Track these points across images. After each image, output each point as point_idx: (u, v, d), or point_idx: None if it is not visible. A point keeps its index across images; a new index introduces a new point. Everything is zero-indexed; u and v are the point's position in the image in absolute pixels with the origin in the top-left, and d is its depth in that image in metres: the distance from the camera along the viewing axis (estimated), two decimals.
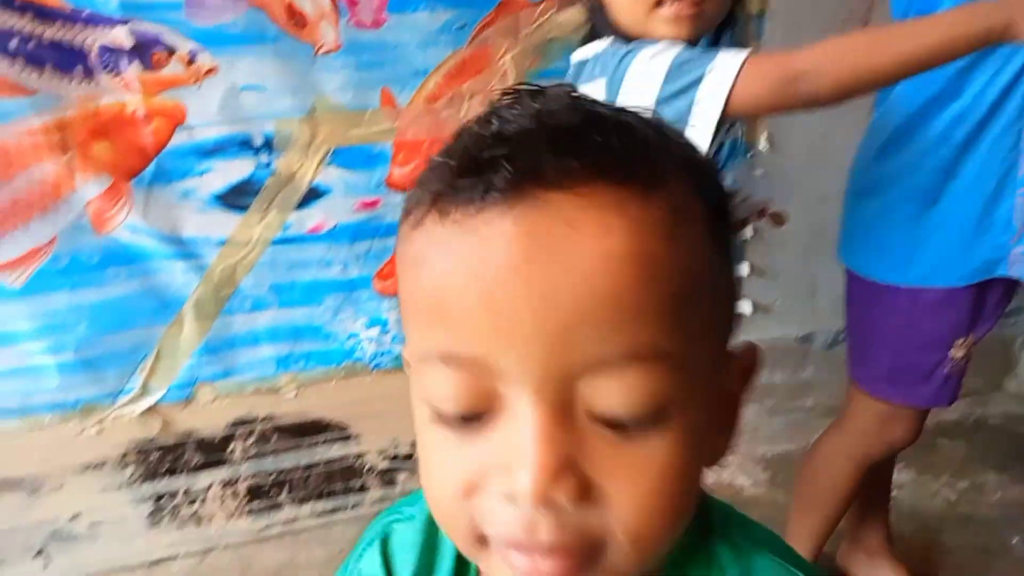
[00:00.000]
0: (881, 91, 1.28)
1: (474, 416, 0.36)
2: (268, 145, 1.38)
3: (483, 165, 0.35)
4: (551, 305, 0.33)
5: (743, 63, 0.85)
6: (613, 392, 0.34)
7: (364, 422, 1.69)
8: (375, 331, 1.60)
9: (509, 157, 0.34)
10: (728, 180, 1.17)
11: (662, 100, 0.89)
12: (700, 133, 0.87)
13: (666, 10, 0.91)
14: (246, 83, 1.32)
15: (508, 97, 0.38)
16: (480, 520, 0.37)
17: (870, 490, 1.53)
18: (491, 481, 0.36)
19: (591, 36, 1.02)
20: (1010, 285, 1.26)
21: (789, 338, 1.99)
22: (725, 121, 0.88)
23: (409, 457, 1.77)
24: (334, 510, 1.74)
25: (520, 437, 0.34)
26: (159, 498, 1.57)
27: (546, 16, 1.44)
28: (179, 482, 1.58)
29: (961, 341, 1.26)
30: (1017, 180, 1.15)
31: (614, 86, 0.93)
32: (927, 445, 2.07)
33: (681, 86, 0.88)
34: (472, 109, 1.47)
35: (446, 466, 0.38)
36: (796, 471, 1.52)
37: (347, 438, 1.70)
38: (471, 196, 0.34)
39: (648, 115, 0.40)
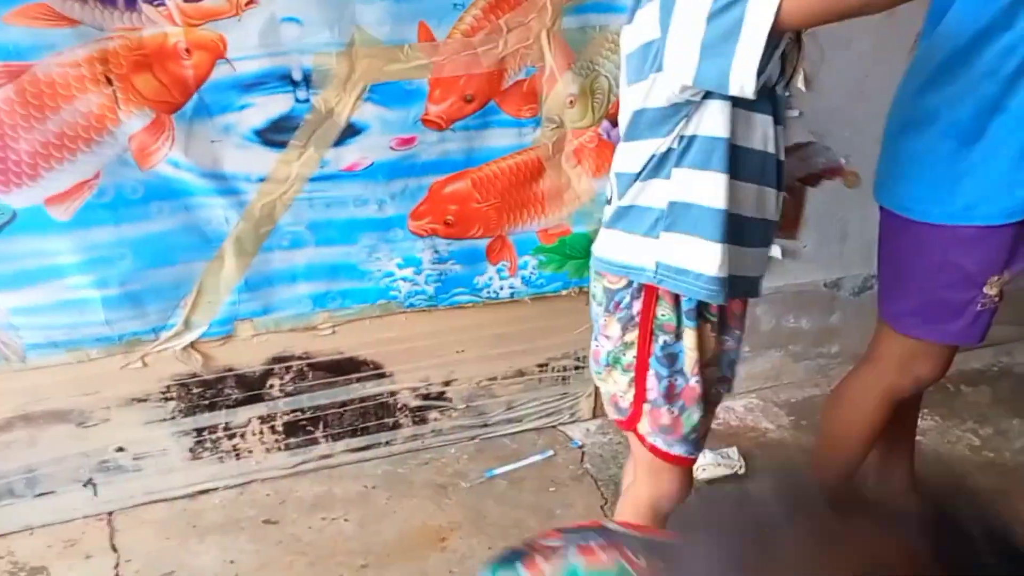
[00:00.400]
0: (928, 23, 1.26)
1: None
2: (307, 80, 1.38)
3: None
4: None
5: None
6: None
7: (397, 361, 1.72)
8: (409, 270, 1.61)
9: None
10: (802, 134, 1.18)
11: (713, 15, 0.88)
12: (750, 49, 0.86)
13: None
14: (285, 15, 1.32)
15: None
16: None
17: (895, 429, 1.53)
18: None
19: None
20: None
21: (818, 283, 2.00)
22: (776, 36, 0.86)
23: (440, 396, 1.80)
24: (367, 447, 1.77)
25: None
26: (200, 432, 1.61)
27: None
28: (219, 417, 1.61)
29: (996, 279, 1.26)
30: None
31: (667, 4, 0.93)
32: (951, 392, 2.10)
33: (728, 0, 0.87)
34: (510, 43, 1.46)
35: None
36: (820, 414, 1.53)
37: (381, 376, 1.73)
38: None
39: None
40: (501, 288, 1.71)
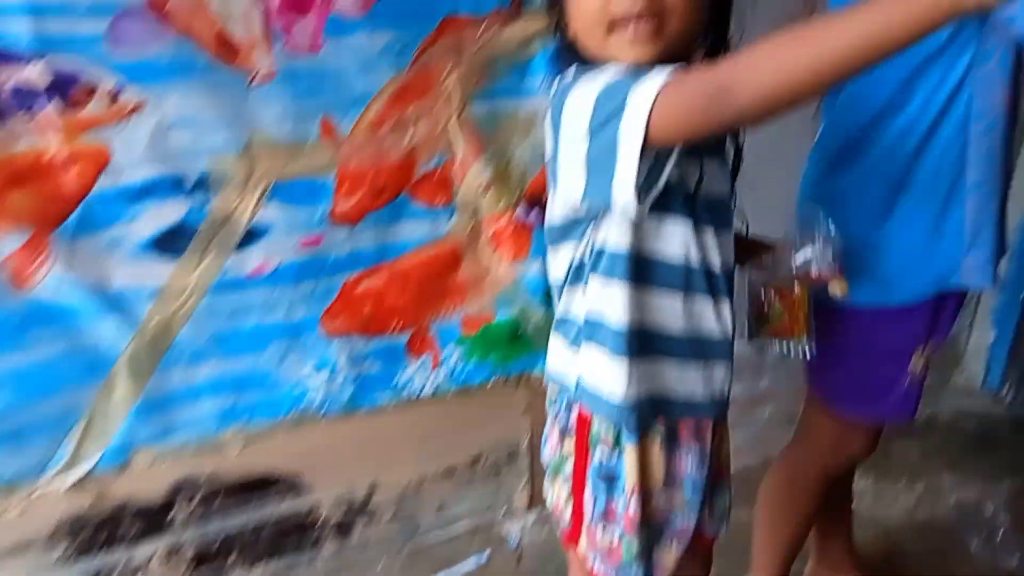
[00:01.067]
0: (826, 103, 1.27)
1: None
2: (202, 185, 1.28)
3: None
4: None
5: (664, 83, 0.76)
6: None
7: (316, 473, 1.59)
8: (324, 375, 1.50)
9: None
10: (800, 257, 1.11)
11: (592, 132, 0.82)
12: (625, 166, 0.78)
13: (621, 34, 0.84)
14: (176, 119, 1.22)
15: None
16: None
17: (831, 504, 1.52)
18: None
19: (560, 62, 0.98)
20: (963, 293, 1.27)
21: (743, 349, 1.99)
22: (650, 152, 0.78)
23: (365, 506, 1.68)
24: (288, 569, 1.62)
25: None
26: (96, 575, 1.43)
27: (490, 33, 1.40)
28: (118, 555, 1.44)
29: (920, 353, 1.27)
30: (966, 188, 1.16)
31: (556, 117, 0.88)
32: (882, 448, 2.10)
33: (606, 115, 0.80)
34: (419, 133, 1.41)
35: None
36: (757, 486, 1.50)
37: (298, 491, 1.59)
38: None
39: None
40: (425, 384, 1.62)
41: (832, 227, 1.10)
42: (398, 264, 1.49)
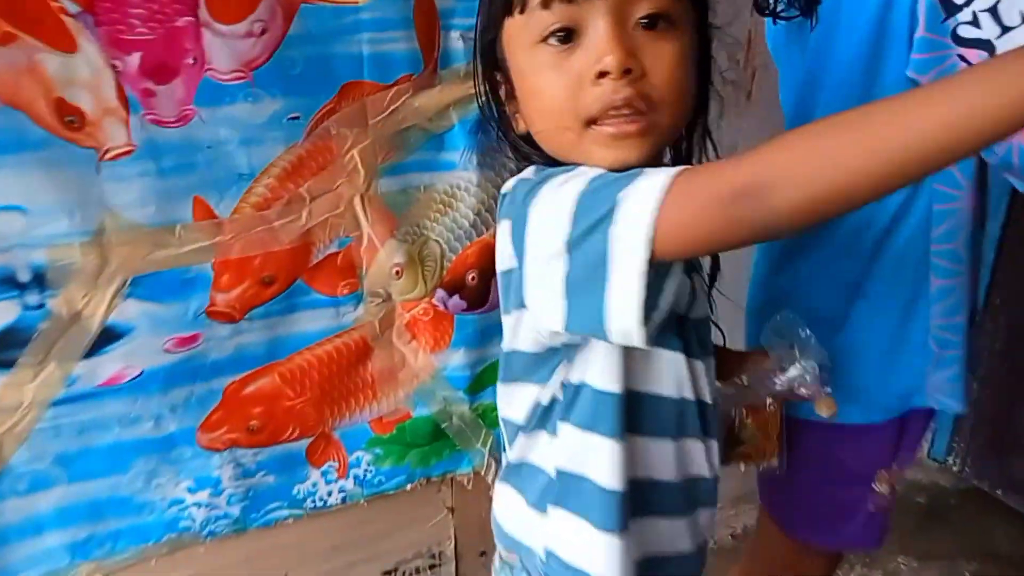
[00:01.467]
0: None
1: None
2: (39, 280, 1.04)
3: None
4: None
5: (670, 182, 0.57)
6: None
7: None
8: (204, 494, 1.27)
9: None
10: (783, 376, 0.93)
11: (573, 243, 0.62)
12: (625, 289, 0.59)
13: (602, 129, 0.67)
14: (2, 204, 0.98)
15: None
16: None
17: None
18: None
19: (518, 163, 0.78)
20: (931, 410, 1.11)
21: None
22: (658, 268, 0.59)
23: None
24: None
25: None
26: None
27: (399, 101, 1.19)
28: None
29: (884, 475, 1.11)
30: (930, 295, 1.00)
31: (519, 228, 0.68)
32: None
33: (589, 225, 0.60)
34: (316, 213, 1.19)
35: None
36: None
37: None
38: None
39: None
40: (330, 494, 1.39)
41: (812, 337, 0.92)
42: (294, 360, 1.27)
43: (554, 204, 0.64)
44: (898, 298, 1.01)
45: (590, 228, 0.60)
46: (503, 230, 0.72)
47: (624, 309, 0.59)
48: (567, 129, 0.69)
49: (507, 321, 0.77)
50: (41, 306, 1.05)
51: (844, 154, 0.51)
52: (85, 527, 1.19)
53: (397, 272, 1.29)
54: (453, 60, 1.22)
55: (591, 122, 0.68)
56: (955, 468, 2.22)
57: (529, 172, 0.73)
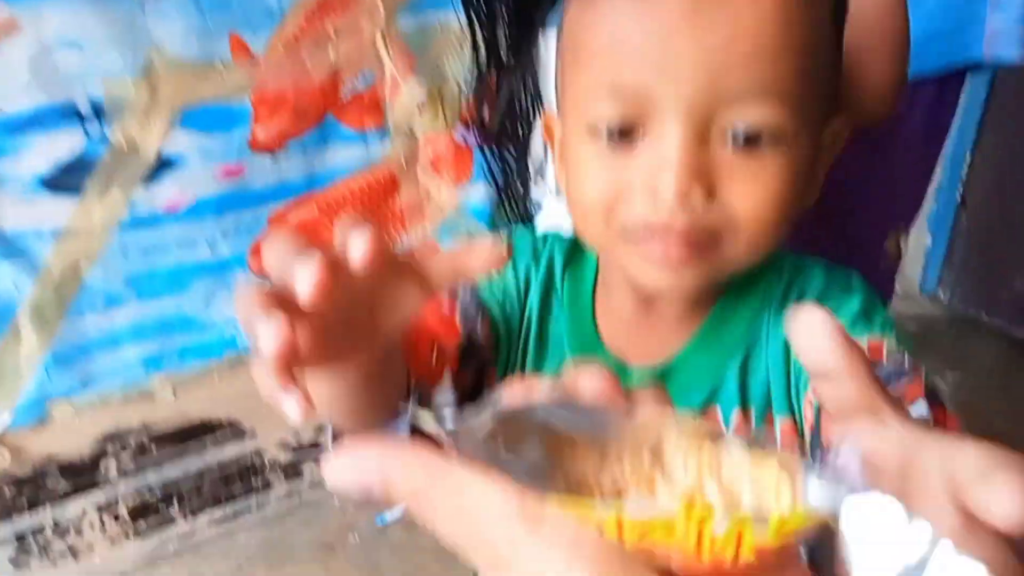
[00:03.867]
0: None
1: (628, 130, 0.46)
2: (98, 112, 1.15)
3: None
4: (710, 47, 0.43)
5: None
6: (748, 113, 0.45)
7: (258, 415, 1.51)
8: None
9: None
10: None
11: None
12: None
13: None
14: (60, 39, 1.09)
15: None
16: (624, 219, 0.48)
17: None
18: (635, 191, 0.47)
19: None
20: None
21: None
22: None
23: (315, 446, 1.61)
24: (236, 515, 1.56)
25: (667, 149, 0.45)
26: (21, 538, 1.35)
27: None
28: (44, 515, 1.36)
29: (892, 234, 1.20)
30: None
31: None
32: None
33: None
34: (341, 50, 1.28)
35: (599, 176, 0.49)
36: None
37: (240, 435, 1.52)
38: None
39: None
40: None
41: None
42: (330, 193, 1.38)
43: None
44: None
45: None
46: None
47: None
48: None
49: None
50: (102, 136, 1.16)
51: None
52: (156, 342, 1.35)
53: (419, 108, 1.39)
54: None
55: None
56: (944, 299, 2.32)
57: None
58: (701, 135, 0.45)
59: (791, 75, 0.45)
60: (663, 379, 0.57)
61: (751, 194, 0.46)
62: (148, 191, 1.23)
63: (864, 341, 0.52)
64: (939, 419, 0.45)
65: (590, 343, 0.58)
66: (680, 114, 0.45)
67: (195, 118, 1.22)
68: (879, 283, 1.25)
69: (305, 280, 0.30)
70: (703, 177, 0.45)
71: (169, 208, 1.26)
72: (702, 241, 0.47)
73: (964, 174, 2.18)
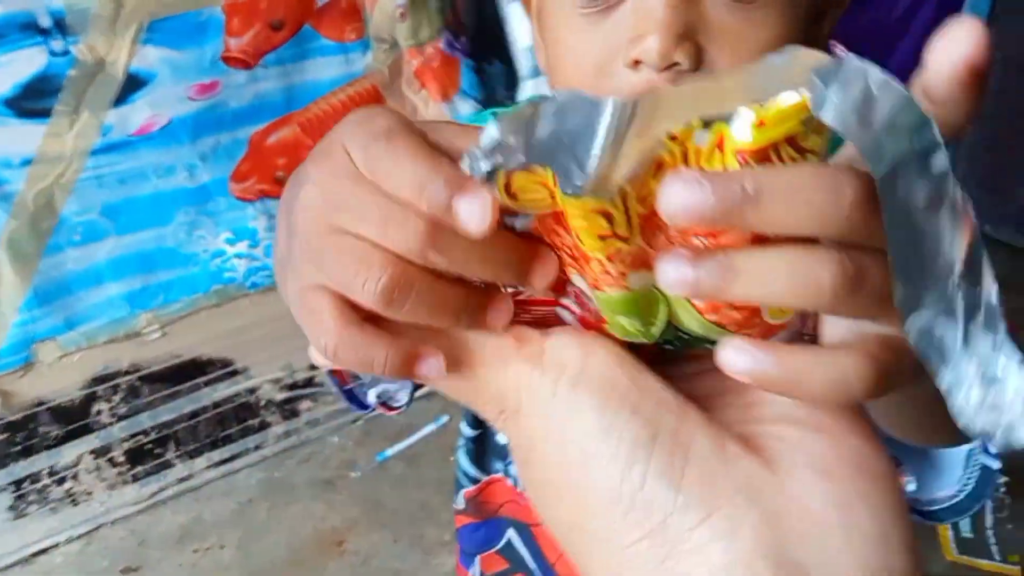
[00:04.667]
0: None
1: None
2: (60, 26, 1.07)
3: None
4: None
5: None
6: None
7: (250, 352, 1.46)
8: (243, 244, 1.35)
9: None
10: None
11: None
12: None
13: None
14: None
15: None
16: (610, 90, 0.41)
17: None
18: (618, 58, 0.42)
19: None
20: None
21: None
22: None
23: (310, 382, 1.57)
24: (233, 457, 1.52)
25: (651, 5, 0.40)
26: (18, 484, 1.30)
27: None
28: (39, 461, 1.31)
29: None
30: None
31: None
32: None
33: None
34: None
35: (580, 46, 0.44)
36: None
37: (234, 373, 1.47)
38: None
39: None
40: None
41: None
42: (311, 110, 1.32)
43: None
44: None
45: None
46: None
47: None
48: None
49: None
50: (66, 53, 1.09)
51: None
52: (139, 278, 1.29)
53: (401, 15, 1.31)
54: None
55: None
56: None
57: None
58: None
59: None
60: None
61: (746, 49, 0.42)
62: (119, 113, 1.15)
63: None
64: None
65: None
66: None
67: (164, 31, 1.14)
68: None
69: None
70: (690, 38, 0.41)
71: (143, 131, 1.18)
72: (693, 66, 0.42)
73: None
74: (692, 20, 0.41)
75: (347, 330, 0.24)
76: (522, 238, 0.24)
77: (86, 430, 1.34)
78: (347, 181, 0.24)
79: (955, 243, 0.20)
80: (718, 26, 0.41)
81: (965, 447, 0.47)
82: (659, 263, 0.21)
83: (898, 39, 1.08)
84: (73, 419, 1.32)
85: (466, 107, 1.44)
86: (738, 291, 0.21)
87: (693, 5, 0.40)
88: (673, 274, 0.21)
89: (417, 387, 0.54)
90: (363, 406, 0.57)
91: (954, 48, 0.21)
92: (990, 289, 0.21)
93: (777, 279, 0.21)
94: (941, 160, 0.21)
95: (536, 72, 0.87)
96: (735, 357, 0.22)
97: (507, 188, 0.22)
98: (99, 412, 1.34)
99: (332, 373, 0.52)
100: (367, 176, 0.24)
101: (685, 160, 0.21)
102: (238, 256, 1.36)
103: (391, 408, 0.59)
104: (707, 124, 0.21)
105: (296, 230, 0.25)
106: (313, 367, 1.55)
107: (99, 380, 1.33)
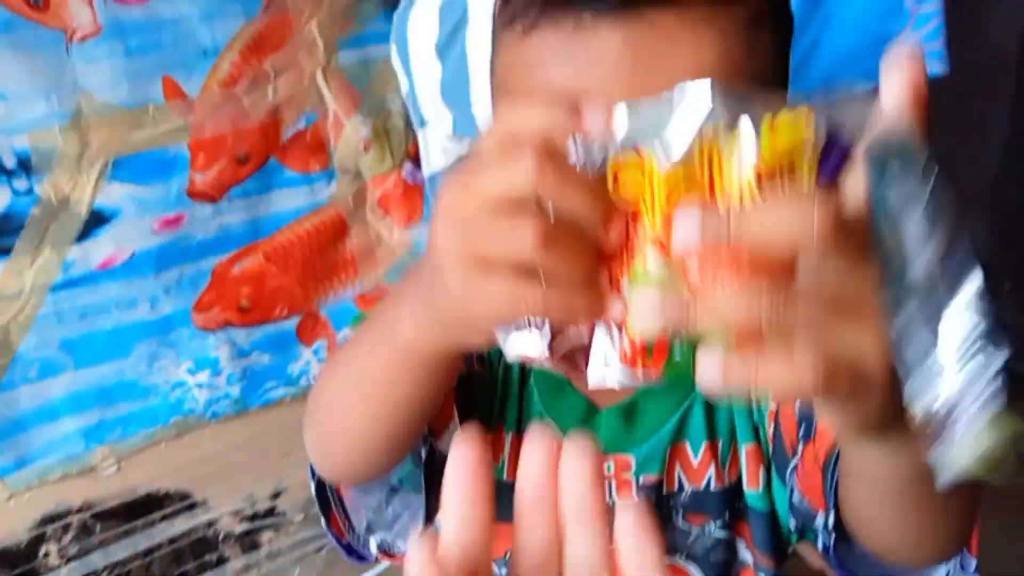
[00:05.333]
0: None
1: None
2: (24, 166, 1.08)
3: None
4: None
5: None
6: None
7: (209, 483, 1.42)
8: (205, 374, 1.33)
9: None
10: None
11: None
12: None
13: None
14: None
15: None
16: None
17: None
18: None
19: None
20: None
21: None
22: None
23: (271, 512, 1.52)
24: None
25: None
26: None
27: None
28: None
29: None
30: None
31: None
32: None
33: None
34: (281, 89, 1.24)
35: None
36: None
37: (192, 507, 1.42)
38: (576, 12, 0.41)
39: None
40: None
41: None
42: (276, 239, 1.33)
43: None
44: None
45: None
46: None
47: None
48: None
49: None
50: (30, 191, 1.09)
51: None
52: (96, 412, 1.25)
53: (365, 147, 1.35)
54: None
55: None
56: None
57: None
58: None
59: None
60: (630, 416, 0.59)
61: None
62: (82, 249, 1.15)
63: None
64: None
65: (559, 384, 0.61)
66: None
67: (129, 168, 1.16)
68: None
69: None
70: None
71: (105, 265, 1.18)
72: None
73: None
74: None
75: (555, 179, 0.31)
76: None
77: (32, 574, 1.27)
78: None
79: (936, 250, 0.23)
80: None
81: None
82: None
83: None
84: (18, 563, 1.26)
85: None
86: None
87: None
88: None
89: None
90: (362, 558, 0.57)
91: (900, 76, 0.26)
92: (971, 303, 0.23)
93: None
94: (927, 168, 0.24)
95: None
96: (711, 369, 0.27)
97: (614, 178, 0.30)
98: (47, 554, 1.28)
99: (330, 527, 0.56)
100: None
101: (711, 174, 0.28)
102: (199, 386, 1.33)
103: (392, 556, 0.59)
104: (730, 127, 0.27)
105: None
106: (276, 495, 1.51)
107: (49, 520, 1.27)
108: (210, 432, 1.38)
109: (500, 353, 0.56)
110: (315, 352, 1.45)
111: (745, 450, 0.59)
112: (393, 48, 0.72)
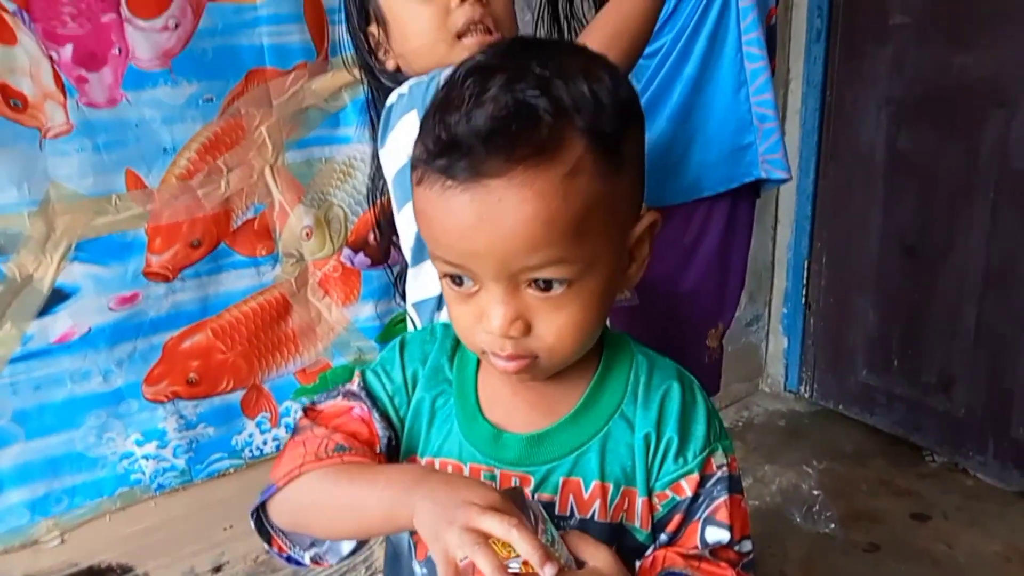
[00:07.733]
0: None
1: (468, 284, 0.62)
2: None
3: (447, 161, 0.57)
4: (495, 246, 0.58)
5: None
6: (537, 273, 0.60)
7: (151, 556, 1.46)
8: (152, 446, 1.40)
9: (463, 155, 0.56)
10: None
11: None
12: None
13: (468, 40, 0.92)
14: None
15: (468, 82, 0.59)
16: (477, 341, 0.64)
17: None
18: (481, 323, 0.63)
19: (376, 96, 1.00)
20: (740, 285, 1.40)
21: None
22: None
23: None
24: None
25: (490, 302, 0.61)
26: None
27: (298, 85, 1.41)
28: None
29: (714, 332, 1.38)
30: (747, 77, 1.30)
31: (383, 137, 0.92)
32: None
33: None
34: (233, 183, 1.38)
35: (460, 312, 0.65)
36: None
37: None
38: (443, 178, 0.57)
39: (554, 81, 0.58)
40: (265, 443, 1.55)
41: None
42: (224, 317, 1.44)
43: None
44: (726, 84, 1.29)
45: None
46: (410, 118, 0.93)
47: None
48: (438, 43, 0.94)
49: (408, 211, 0.97)
50: None
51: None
52: (43, 484, 1.31)
53: (307, 234, 1.49)
54: (340, 50, 1.45)
55: (460, 34, 0.94)
56: (806, 395, 2.57)
57: (404, 88, 0.95)
58: (513, 289, 0.60)
59: (564, 243, 0.58)
60: (534, 445, 0.69)
61: (555, 325, 0.62)
62: (41, 324, 1.24)
63: (722, 457, 0.69)
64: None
65: (472, 415, 0.72)
66: (491, 280, 0.60)
67: (91, 249, 1.27)
68: (707, 376, 1.43)
69: None
70: (520, 316, 0.61)
71: (62, 339, 1.27)
72: (525, 359, 0.63)
73: (805, 281, 2.48)
74: (519, 305, 0.61)
75: None
76: None
77: None
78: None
79: None
80: (536, 307, 0.61)
81: None
82: None
83: (690, 260, 1.33)
84: None
85: (366, 309, 1.59)
86: None
87: (517, 295, 0.61)
88: None
89: (357, 547, 0.69)
90: (300, 564, 0.71)
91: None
92: None
93: None
94: None
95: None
96: None
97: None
98: None
99: (271, 544, 0.69)
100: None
101: None
102: (146, 457, 1.40)
103: (321, 564, 0.71)
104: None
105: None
106: (217, 569, 1.55)
107: None
108: (155, 504, 1.44)
109: (423, 403, 0.74)
110: (258, 424, 1.53)
111: (640, 502, 0.69)
112: (414, 114, 0.88)
